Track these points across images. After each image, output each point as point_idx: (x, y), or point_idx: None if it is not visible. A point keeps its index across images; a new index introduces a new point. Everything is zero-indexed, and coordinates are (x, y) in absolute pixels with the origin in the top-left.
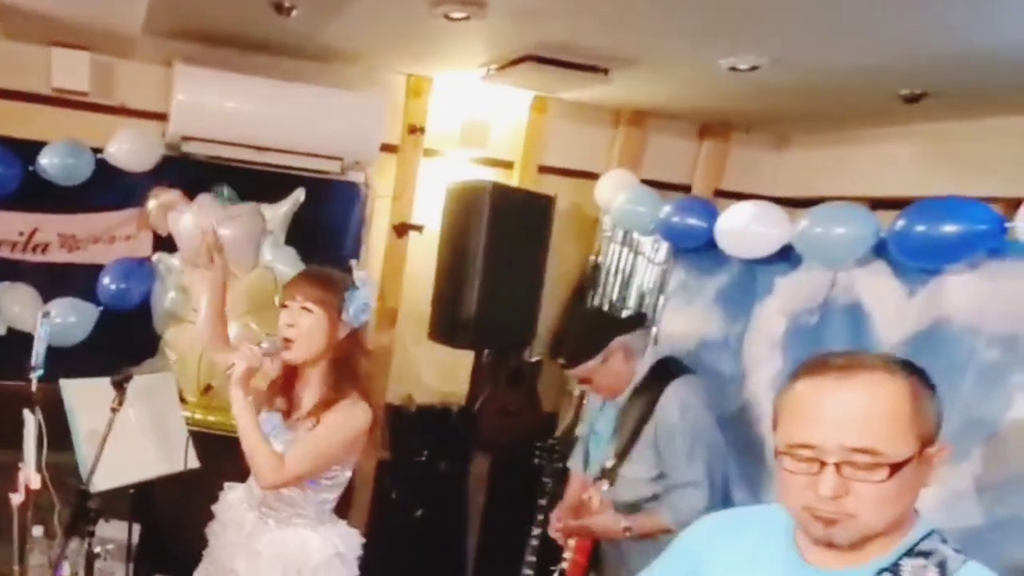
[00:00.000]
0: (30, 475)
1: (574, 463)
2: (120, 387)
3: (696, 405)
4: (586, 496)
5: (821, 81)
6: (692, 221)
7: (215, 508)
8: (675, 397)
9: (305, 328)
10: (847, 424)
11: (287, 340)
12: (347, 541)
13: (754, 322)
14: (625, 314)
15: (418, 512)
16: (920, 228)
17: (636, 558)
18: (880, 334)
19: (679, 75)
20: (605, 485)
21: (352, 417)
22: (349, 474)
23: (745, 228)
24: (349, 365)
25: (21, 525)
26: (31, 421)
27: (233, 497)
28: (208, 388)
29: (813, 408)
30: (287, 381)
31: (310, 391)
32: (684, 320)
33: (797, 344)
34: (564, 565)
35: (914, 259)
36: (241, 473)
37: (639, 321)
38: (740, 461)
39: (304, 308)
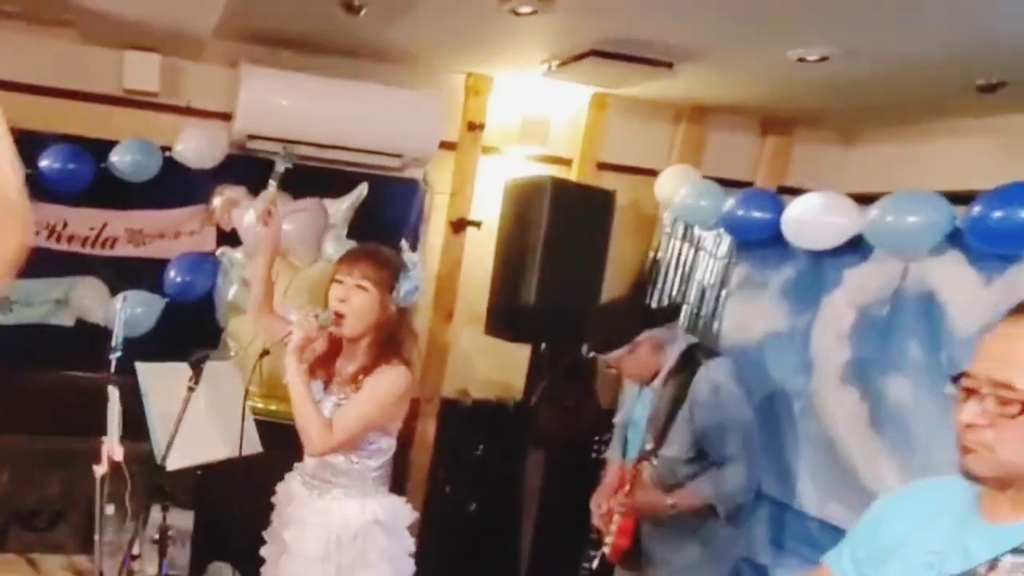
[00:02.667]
0: (114, 446)
1: (612, 451)
2: (197, 368)
3: (728, 383)
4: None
5: (893, 72)
6: (757, 214)
7: (278, 487)
8: (707, 377)
9: (357, 305)
10: (999, 359)
11: (339, 316)
12: (389, 510)
13: (821, 315)
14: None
15: (472, 507)
16: (998, 214)
17: (674, 552)
18: (955, 325)
19: (745, 68)
20: (654, 460)
21: (392, 380)
22: (392, 442)
23: (814, 219)
24: (393, 340)
25: (101, 497)
26: (114, 395)
27: (289, 475)
28: (265, 353)
29: (985, 343)
30: (329, 354)
31: (352, 364)
32: (748, 314)
33: (866, 337)
34: (605, 550)
35: (991, 246)
36: (297, 460)
37: (672, 314)
38: (805, 452)
39: (359, 286)
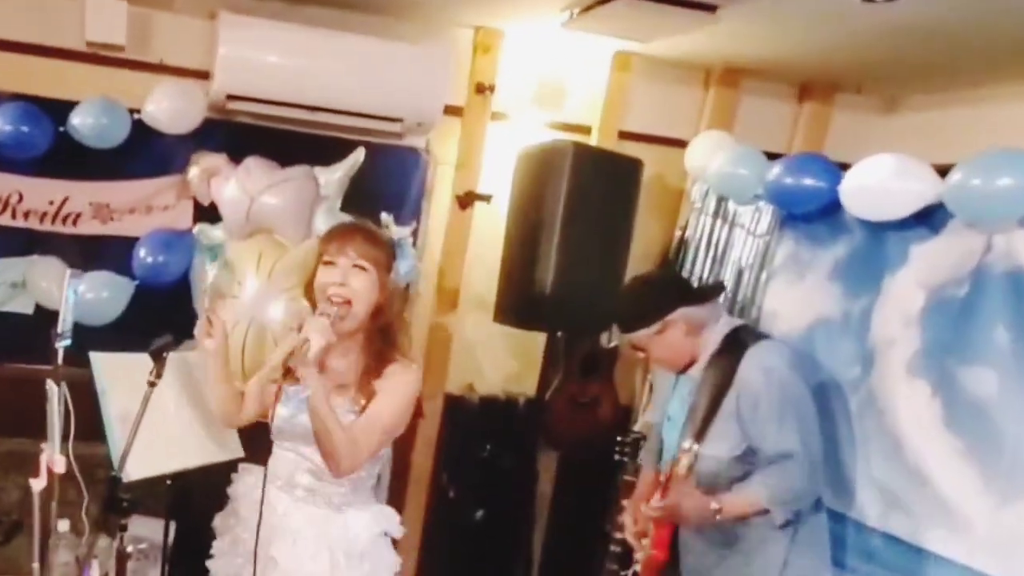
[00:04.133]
0: (53, 456)
1: (646, 456)
2: (159, 357)
3: (781, 367)
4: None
5: (965, 19)
6: (809, 181)
7: (232, 492)
8: (756, 360)
9: (360, 288)
10: None
11: (347, 302)
12: (390, 521)
13: (884, 298)
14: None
15: (478, 513)
16: None
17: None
18: None
19: (800, 12)
20: (694, 446)
21: (408, 381)
22: (388, 448)
23: (881, 185)
24: (389, 330)
25: (44, 515)
26: (54, 394)
27: (253, 480)
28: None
29: None
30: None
31: (346, 360)
32: (793, 298)
33: (940, 321)
34: (636, 568)
35: None
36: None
37: (714, 292)
38: (864, 454)
39: (358, 266)
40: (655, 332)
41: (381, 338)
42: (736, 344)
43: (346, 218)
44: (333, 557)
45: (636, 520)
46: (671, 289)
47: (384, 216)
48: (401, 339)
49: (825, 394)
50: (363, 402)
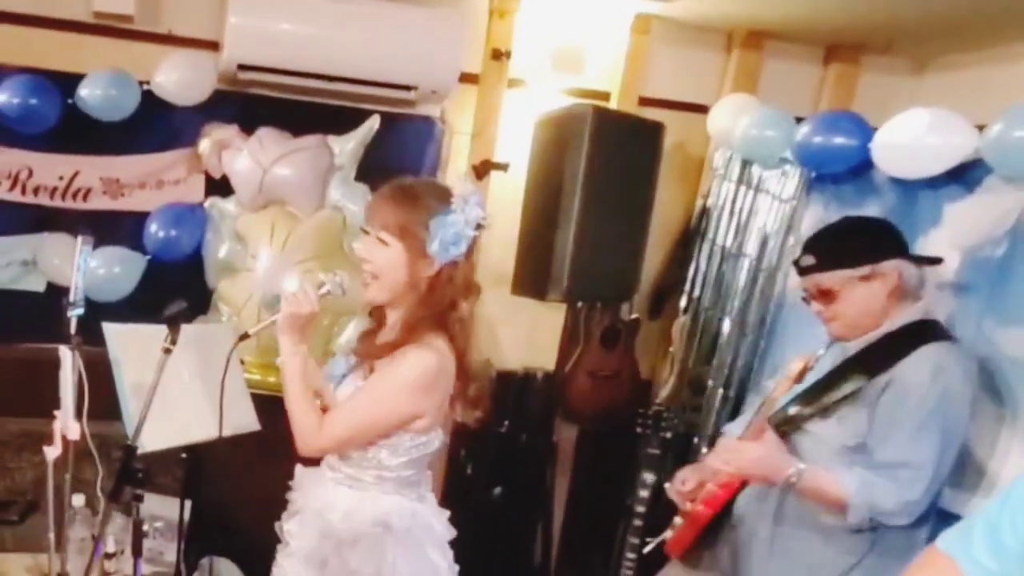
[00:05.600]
0: (67, 423)
1: (736, 423)
2: (174, 324)
3: (955, 373)
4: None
5: None
6: (840, 139)
7: (297, 469)
8: (930, 357)
9: (380, 264)
10: None
11: (374, 277)
12: (408, 517)
13: None
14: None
15: (496, 490)
16: None
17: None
18: None
19: None
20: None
21: (410, 367)
22: (421, 442)
23: (916, 141)
24: (436, 308)
25: (58, 489)
26: (67, 360)
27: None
28: (245, 337)
29: None
30: (377, 325)
31: (388, 338)
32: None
33: (977, 283)
34: (668, 533)
35: None
36: None
37: (932, 260)
38: None
39: (380, 239)
40: (860, 277)
41: (420, 315)
42: (916, 335)
43: (362, 187)
44: (324, 537)
45: (686, 480)
46: (892, 235)
47: (461, 172)
48: (453, 323)
49: None
50: (363, 379)
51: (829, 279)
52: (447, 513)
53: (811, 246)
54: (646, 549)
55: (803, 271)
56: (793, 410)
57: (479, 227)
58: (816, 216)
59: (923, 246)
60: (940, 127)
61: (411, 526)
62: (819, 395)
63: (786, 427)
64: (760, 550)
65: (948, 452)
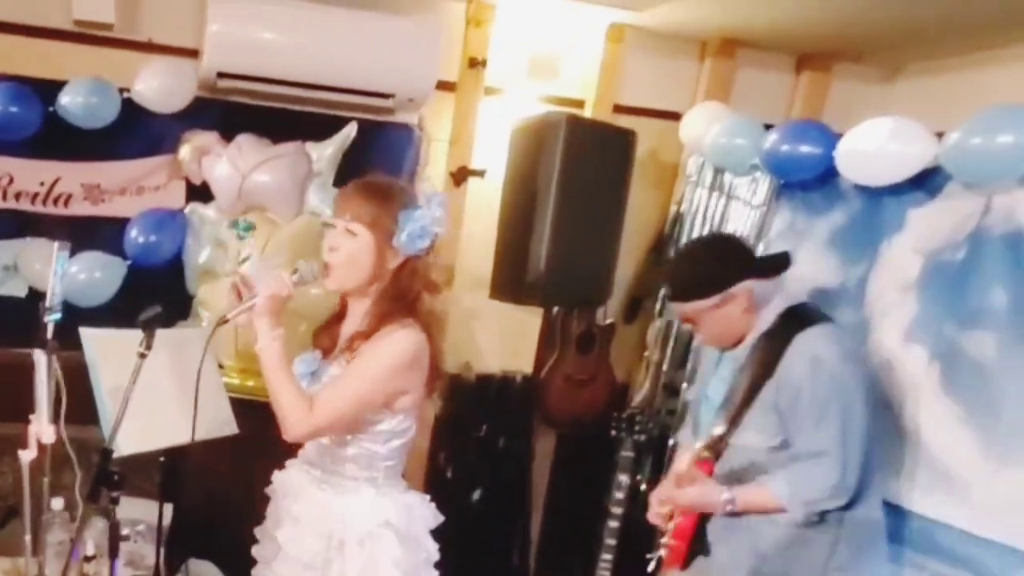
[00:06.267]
0: (42, 427)
1: (684, 434)
2: (148, 328)
3: (832, 357)
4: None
5: None
6: (806, 148)
7: (275, 476)
8: (805, 347)
9: (347, 254)
10: None
11: (326, 267)
12: (405, 511)
13: (880, 265)
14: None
15: (476, 493)
16: None
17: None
18: None
19: None
20: (697, 444)
21: (393, 344)
22: (403, 424)
23: (878, 149)
24: (403, 298)
25: (36, 493)
26: (42, 364)
27: (291, 462)
28: (223, 321)
29: None
30: (335, 317)
31: (354, 328)
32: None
33: (937, 286)
34: (661, 552)
35: None
36: (283, 446)
37: (781, 265)
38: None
39: (348, 230)
40: (712, 306)
41: (388, 303)
42: (790, 325)
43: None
44: (330, 542)
45: (663, 500)
46: (737, 258)
47: (425, 173)
48: (422, 310)
49: None
50: (343, 368)
51: (686, 309)
52: (428, 497)
53: (667, 276)
54: (648, 568)
55: (669, 299)
56: (717, 432)
57: (439, 228)
58: (785, 222)
59: (887, 251)
60: (901, 135)
61: (410, 520)
62: (729, 410)
63: (715, 449)
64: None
65: (852, 430)
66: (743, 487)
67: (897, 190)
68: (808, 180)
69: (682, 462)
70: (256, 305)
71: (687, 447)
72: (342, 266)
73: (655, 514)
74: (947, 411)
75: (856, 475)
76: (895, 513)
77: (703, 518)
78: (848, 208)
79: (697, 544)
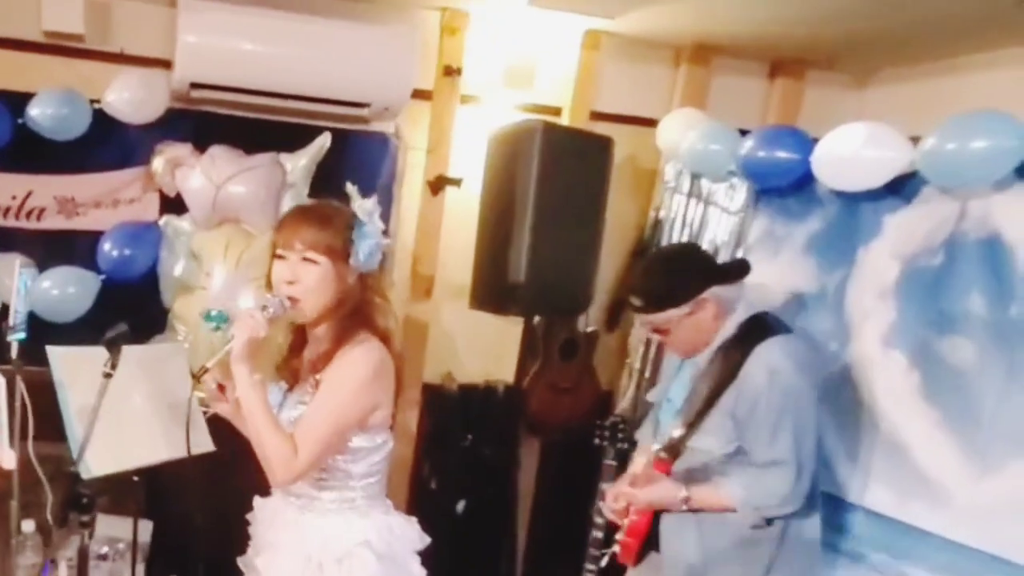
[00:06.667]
0: (3, 452)
1: (643, 434)
2: (114, 347)
3: (787, 370)
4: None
5: None
6: (782, 154)
7: (256, 503)
8: (763, 359)
9: (310, 283)
10: None
11: (292, 299)
12: (385, 531)
13: (858, 270)
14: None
15: (460, 503)
16: None
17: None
18: None
19: None
20: (655, 446)
21: (357, 360)
22: (376, 440)
23: (854, 154)
24: (359, 313)
25: (3, 516)
26: (1, 386)
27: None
28: (203, 371)
29: None
30: (294, 346)
31: (317, 352)
32: (769, 274)
33: (914, 291)
34: (616, 548)
35: None
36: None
37: (741, 271)
38: (843, 432)
39: (306, 260)
40: (684, 314)
41: (348, 323)
42: (750, 334)
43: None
44: (310, 564)
45: (618, 497)
46: (702, 266)
47: (349, 187)
48: (379, 322)
49: None
50: (311, 396)
51: (657, 319)
52: (415, 519)
53: (637, 289)
54: (602, 563)
55: (635, 310)
56: (675, 434)
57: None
58: (763, 227)
59: (864, 257)
60: (876, 141)
61: (391, 541)
62: (688, 413)
63: (673, 451)
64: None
65: (805, 440)
66: (699, 486)
67: (873, 195)
68: (785, 186)
69: (639, 463)
70: (233, 350)
71: (645, 449)
72: (309, 295)
73: (610, 510)
74: (927, 417)
75: (807, 485)
76: (876, 520)
77: (656, 516)
78: (825, 214)
79: (649, 541)
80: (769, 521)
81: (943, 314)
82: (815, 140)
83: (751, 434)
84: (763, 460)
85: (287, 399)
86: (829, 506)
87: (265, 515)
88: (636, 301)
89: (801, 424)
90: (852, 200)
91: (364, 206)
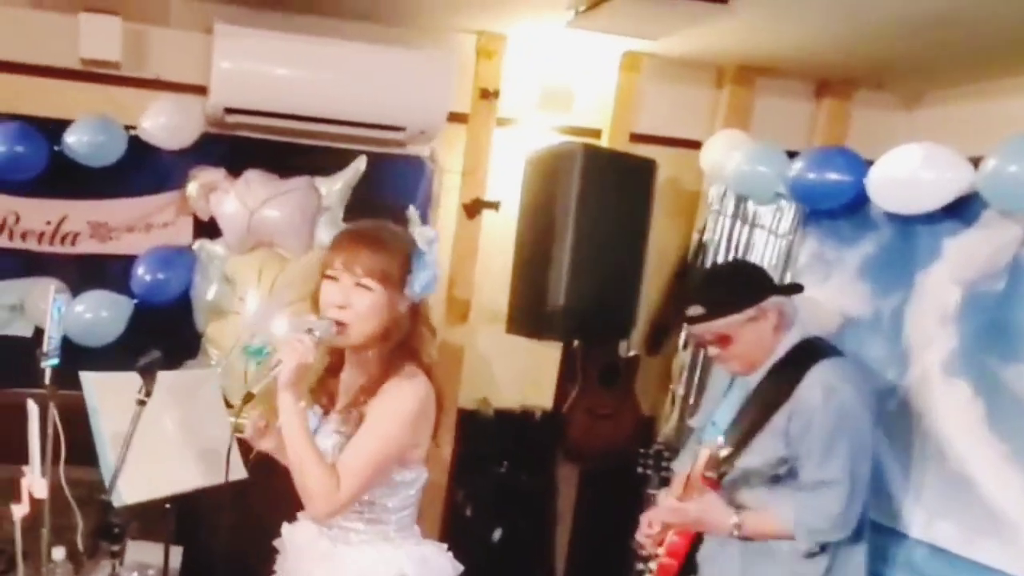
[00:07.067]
0: (34, 481)
1: (681, 463)
2: (147, 374)
3: (843, 389)
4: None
5: (985, 6)
6: (834, 175)
7: (283, 530)
8: (819, 378)
9: (362, 310)
10: None
11: (340, 324)
12: (420, 562)
13: (917, 295)
14: None
15: (497, 532)
16: None
17: None
18: None
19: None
20: (721, 440)
21: (405, 396)
22: (414, 475)
23: (911, 176)
24: (408, 345)
25: (35, 543)
26: (34, 412)
27: (302, 513)
28: (249, 398)
29: None
30: (331, 369)
31: (358, 379)
32: (819, 298)
33: (977, 316)
34: (652, 566)
35: None
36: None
37: (796, 289)
38: (902, 462)
39: (361, 285)
40: (747, 319)
41: (396, 354)
42: (803, 357)
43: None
44: None
45: (651, 522)
46: (761, 276)
47: (411, 211)
48: (425, 354)
49: None
50: (352, 426)
51: (721, 325)
52: (445, 546)
53: (697, 296)
54: None
55: (694, 320)
56: (723, 453)
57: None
58: (812, 251)
59: (923, 281)
60: (936, 162)
61: (425, 572)
62: (737, 433)
63: (721, 471)
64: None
65: (860, 462)
66: (750, 512)
67: (931, 218)
68: (836, 208)
69: (675, 491)
70: (280, 377)
71: (683, 474)
72: (359, 321)
73: (644, 534)
74: (994, 449)
75: (859, 510)
76: (939, 555)
77: (697, 538)
78: (879, 237)
79: (689, 563)
80: (823, 547)
81: (1008, 341)
82: (869, 161)
83: (802, 453)
84: (814, 480)
85: (322, 425)
86: (887, 539)
87: (295, 545)
88: (696, 310)
89: (856, 445)
90: (908, 223)
91: (425, 234)
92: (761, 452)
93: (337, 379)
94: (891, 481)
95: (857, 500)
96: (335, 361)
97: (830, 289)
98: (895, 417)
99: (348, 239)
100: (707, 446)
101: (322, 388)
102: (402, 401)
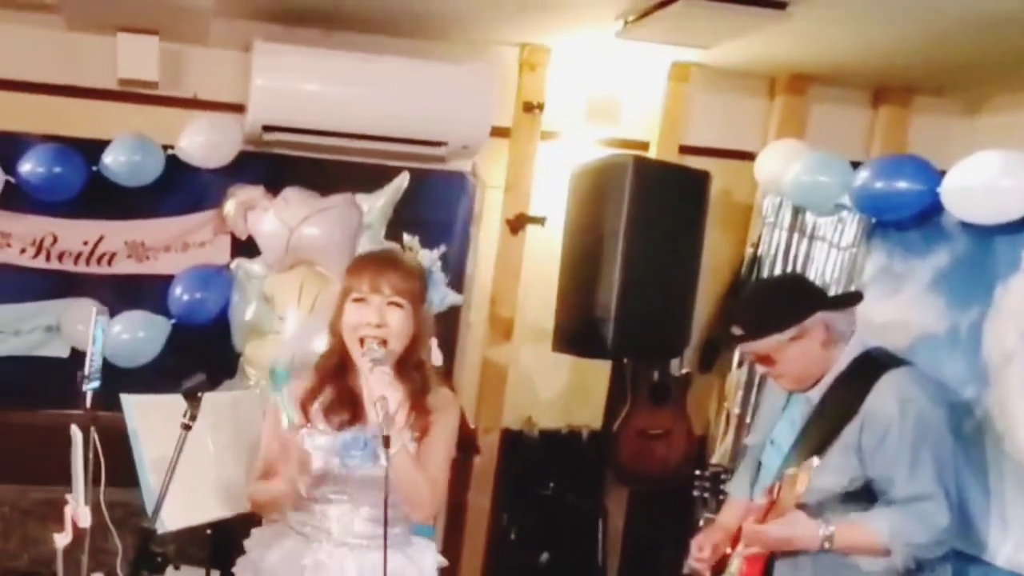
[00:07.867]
0: (78, 510)
1: (735, 484)
2: (192, 397)
3: (920, 398)
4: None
5: None
6: (904, 185)
7: (264, 560)
8: (892, 388)
9: (398, 326)
10: None
11: (383, 342)
12: (434, 552)
13: (997, 308)
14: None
15: (543, 556)
16: None
17: None
18: None
19: (876, 6)
20: (816, 461)
21: (455, 411)
22: None
23: (989, 184)
24: (421, 354)
25: (75, 570)
26: (78, 440)
27: (292, 544)
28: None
29: None
30: (340, 387)
31: (385, 391)
32: (888, 313)
33: None
34: None
35: None
36: None
37: (851, 300)
38: (983, 485)
39: (393, 303)
40: (789, 339)
41: (416, 368)
42: (867, 368)
43: (392, 246)
44: None
45: (702, 547)
46: (808, 292)
47: (407, 239)
48: (428, 366)
49: None
50: (417, 435)
51: (761, 346)
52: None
53: (737, 316)
54: None
55: (736, 340)
56: (791, 471)
57: None
58: (879, 263)
59: (1003, 293)
60: (1013, 169)
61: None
62: (804, 450)
63: (805, 477)
64: None
65: (946, 471)
66: (841, 523)
67: (1009, 228)
68: (904, 219)
69: (728, 515)
70: (398, 416)
71: (739, 502)
72: (395, 338)
73: (697, 560)
74: None
75: (955, 516)
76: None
77: (770, 564)
78: (953, 248)
79: None
80: (918, 566)
81: None
82: (941, 171)
83: (884, 470)
84: (904, 495)
85: (372, 442)
86: (968, 567)
87: (322, 568)
88: (737, 330)
89: (940, 455)
90: (985, 233)
91: (429, 256)
92: (833, 470)
93: (349, 394)
94: (971, 504)
95: (954, 510)
96: (338, 366)
97: (900, 302)
98: (973, 437)
99: (371, 263)
100: (800, 469)
101: (341, 402)
102: (455, 416)
